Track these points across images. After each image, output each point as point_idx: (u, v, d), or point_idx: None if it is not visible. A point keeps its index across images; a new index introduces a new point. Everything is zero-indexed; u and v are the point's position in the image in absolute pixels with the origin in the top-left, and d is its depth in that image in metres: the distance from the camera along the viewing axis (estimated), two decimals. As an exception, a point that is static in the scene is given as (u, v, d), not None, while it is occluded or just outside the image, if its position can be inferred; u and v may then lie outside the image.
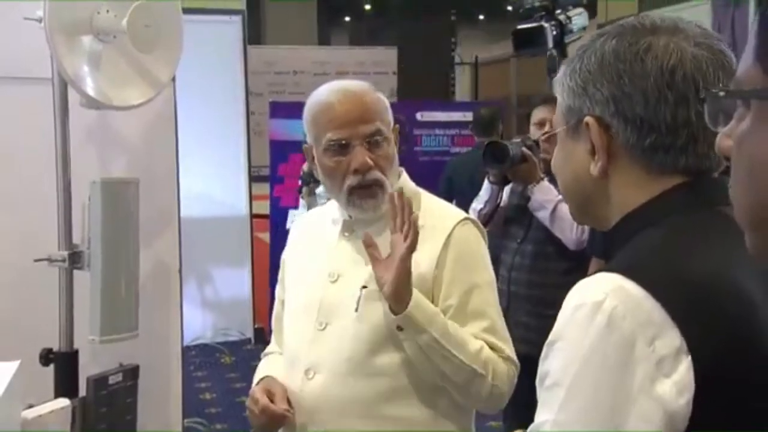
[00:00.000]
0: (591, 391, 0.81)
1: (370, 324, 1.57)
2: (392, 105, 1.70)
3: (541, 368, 0.86)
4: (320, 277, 1.64)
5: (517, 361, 1.62)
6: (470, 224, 1.65)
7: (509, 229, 2.83)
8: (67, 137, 2.09)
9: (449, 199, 4.93)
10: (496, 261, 2.84)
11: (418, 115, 6.40)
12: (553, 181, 2.68)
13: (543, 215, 2.65)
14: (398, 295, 1.50)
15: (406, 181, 1.71)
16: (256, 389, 1.63)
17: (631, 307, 0.81)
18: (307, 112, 1.66)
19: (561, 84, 0.98)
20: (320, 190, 2.73)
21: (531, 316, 2.67)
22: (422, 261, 1.58)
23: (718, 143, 0.70)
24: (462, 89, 8.62)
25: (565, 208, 2.59)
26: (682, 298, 0.81)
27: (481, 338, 1.58)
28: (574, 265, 2.59)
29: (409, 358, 1.56)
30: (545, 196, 2.66)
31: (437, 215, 1.65)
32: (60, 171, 2.09)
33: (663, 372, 0.79)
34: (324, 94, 1.63)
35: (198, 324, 5.65)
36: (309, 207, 2.56)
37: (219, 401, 4.66)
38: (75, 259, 2.09)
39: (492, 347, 1.58)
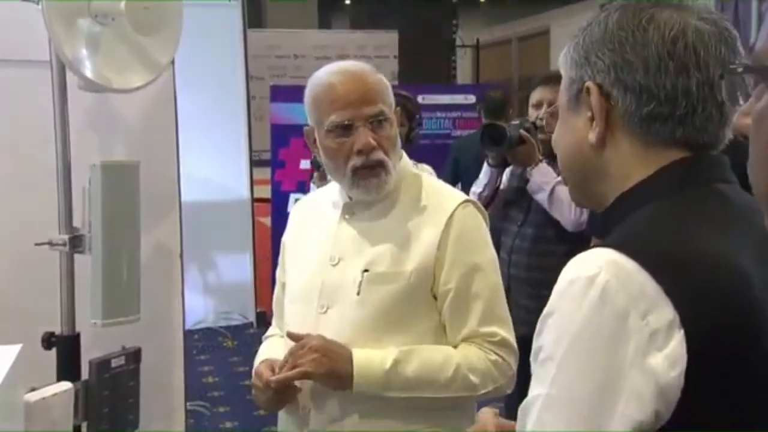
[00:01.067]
0: (583, 365, 0.81)
1: (371, 307, 1.57)
2: (393, 88, 1.70)
3: (535, 343, 0.87)
4: (321, 261, 1.63)
5: (513, 342, 1.62)
6: (471, 206, 1.64)
7: (509, 212, 2.83)
8: (66, 120, 2.08)
9: (455, 181, 4.94)
10: (497, 244, 2.84)
11: (420, 98, 6.37)
12: (552, 163, 2.68)
13: (541, 197, 2.65)
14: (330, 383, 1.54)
15: (406, 163, 1.70)
16: (260, 366, 1.64)
17: (624, 281, 0.81)
18: (308, 94, 1.65)
19: (565, 57, 0.99)
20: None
21: (531, 298, 2.67)
22: (424, 243, 1.58)
23: (736, 121, 0.69)
24: (463, 72, 8.58)
25: (563, 190, 2.59)
26: (675, 272, 0.81)
27: (473, 329, 1.58)
28: (574, 248, 2.56)
29: (411, 340, 1.56)
30: (543, 178, 2.66)
31: (438, 197, 1.64)
32: (59, 154, 2.08)
33: (656, 345, 0.79)
34: (325, 75, 1.62)
35: (200, 308, 5.67)
36: None
37: (222, 385, 4.68)
38: (76, 242, 2.09)
39: (483, 336, 1.58)
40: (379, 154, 1.58)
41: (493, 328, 1.59)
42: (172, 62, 2.39)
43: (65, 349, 2.09)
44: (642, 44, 0.91)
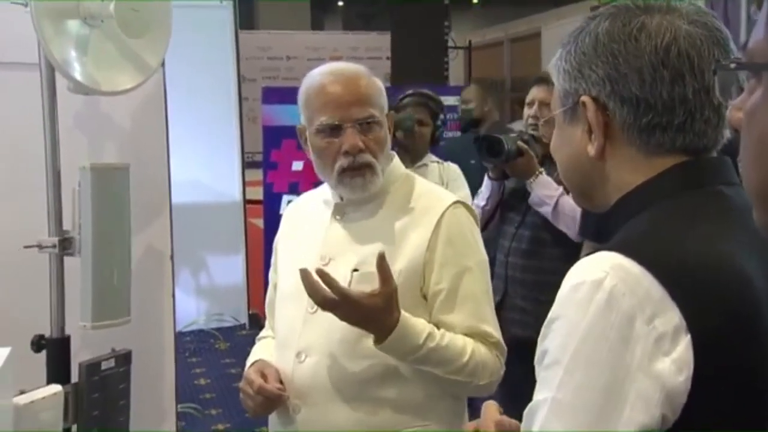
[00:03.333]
0: (590, 369, 0.81)
1: None
2: (386, 89, 1.71)
3: (540, 347, 0.86)
4: (312, 261, 1.64)
5: (503, 344, 1.63)
6: (462, 207, 1.65)
7: (507, 213, 2.83)
8: (56, 122, 2.08)
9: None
10: (495, 245, 2.85)
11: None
12: (552, 167, 2.67)
13: (545, 211, 2.64)
14: (372, 328, 1.51)
15: (397, 165, 1.71)
16: (249, 371, 1.64)
17: (630, 285, 0.81)
18: (301, 92, 1.67)
19: (556, 67, 0.98)
20: None
21: (527, 300, 2.68)
22: (413, 243, 1.58)
23: (729, 116, 0.69)
24: (455, 73, 8.59)
25: (566, 202, 2.59)
26: (681, 276, 0.81)
27: (470, 326, 1.58)
28: (570, 251, 2.58)
29: None
30: (546, 191, 2.64)
31: (429, 198, 1.65)
32: (49, 156, 2.07)
33: (662, 350, 0.79)
34: (318, 76, 1.64)
35: (192, 310, 5.65)
36: None
37: (213, 387, 4.67)
38: (65, 245, 2.09)
39: (481, 334, 1.59)
40: (366, 157, 1.59)
41: (488, 329, 1.60)
42: (163, 64, 2.38)
43: (55, 352, 2.08)
44: (635, 55, 0.90)
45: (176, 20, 2.22)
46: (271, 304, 1.77)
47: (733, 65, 0.70)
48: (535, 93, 2.85)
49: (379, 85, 1.67)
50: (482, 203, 2.84)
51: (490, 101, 4.60)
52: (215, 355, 5.26)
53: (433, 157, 3.10)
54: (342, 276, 1.58)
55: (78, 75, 2.03)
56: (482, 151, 2.67)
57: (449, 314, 1.59)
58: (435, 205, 1.62)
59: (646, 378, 0.79)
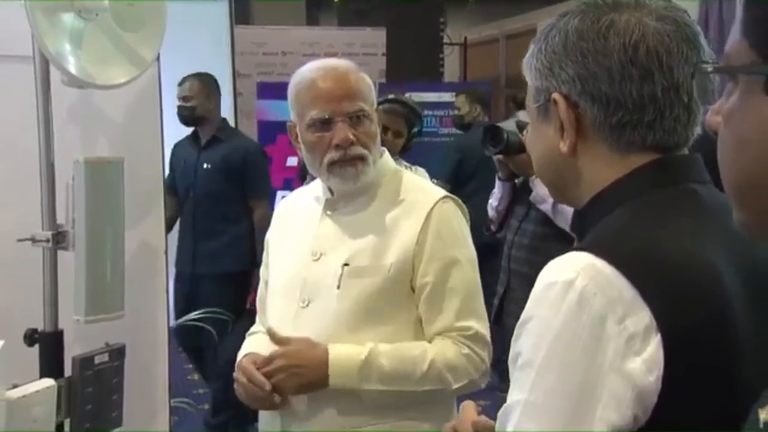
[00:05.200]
0: (562, 370, 0.81)
1: (351, 301, 1.58)
2: (381, 86, 1.73)
3: (513, 348, 0.87)
4: (303, 256, 1.65)
5: (487, 336, 1.63)
6: (451, 202, 1.66)
7: (513, 207, 2.85)
8: (50, 116, 2.07)
9: (456, 182, 4.93)
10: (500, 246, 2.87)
11: (407, 96, 6.38)
12: None
13: (545, 208, 2.66)
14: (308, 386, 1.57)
15: (387, 160, 1.72)
16: (242, 360, 1.65)
17: (602, 285, 0.81)
18: (291, 89, 1.68)
19: (528, 65, 0.99)
20: None
21: (529, 294, 2.68)
22: (403, 237, 1.60)
23: (708, 119, 0.69)
24: (451, 70, 8.58)
25: None
26: (652, 276, 0.81)
27: (446, 325, 1.59)
28: (572, 247, 2.59)
29: (391, 333, 1.57)
30: (546, 189, 2.65)
31: (418, 193, 1.67)
32: (42, 150, 2.06)
33: (633, 350, 0.80)
34: (307, 72, 1.65)
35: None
36: None
37: (206, 382, 4.66)
38: (59, 239, 2.08)
39: (457, 330, 1.59)
40: (358, 149, 1.61)
41: (468, 323, 1.60)
42: (157, 58, 2.38)
43: (48, 346, 2.08)
44: (603, 54, 0.90)
45: (171, 15, 2.22)
46: (262, 301, 1.78)
47: (709, 68, 0.70)
48: None
49: (368, 80, 1.68)
50: (495, 203, 2.87)
51: (479, 107, 5.06)
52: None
53: (404, 162, 3.13)
54: (333, 271, 1.60)
55: (72, 68, 2.02)
56: (485, 140, 2.69)
57: (433, 308, 1.60)
58: (424, 199, 1.64)
59: (617, 377, 0.79)
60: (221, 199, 3.94)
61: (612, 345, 0.79)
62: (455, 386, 1.59)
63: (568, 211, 2.61)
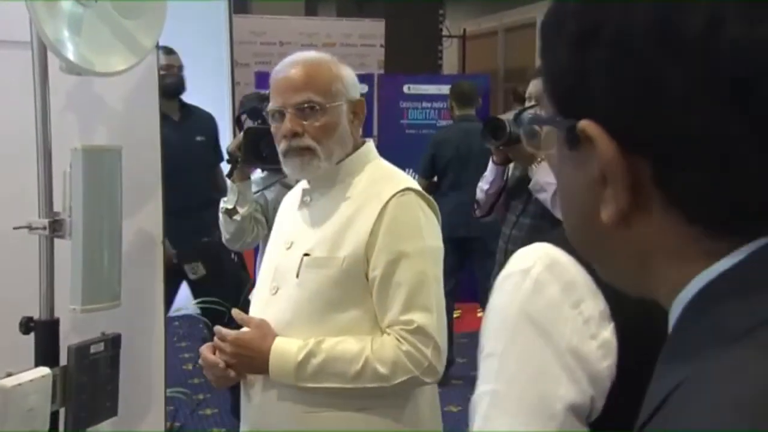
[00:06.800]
0: (522, 356, 0.83)
1: (308, 291, 1.63)
2: (379, 78, 1.76)
3: (480, 340, 0.88)
4: (279, 245, 1.74)
5: (432, 331, 1.60)
6: (411, 194, 1.66)
7: (511, 201, 2.85)
8: (47, 103, 2.05)
9: (433, 176, 4.97)
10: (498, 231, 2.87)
11: (405, 88, 6.35)
12: None
13: (543, 197, 2.65)
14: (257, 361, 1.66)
15: (365, 153, 1.73)
16: (203, 348, 1.75)
17: (557, 273, 0.83)
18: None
19: None
20: (255, 176, 2.60)
21: None
22: (358, 230, 1.62)
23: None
24: (449, 62, 8.56)
25: None
26: None
27: (392, 319, 1.60)
28: None
29: (349, 323, 1.62)
30: (546, 178, 2.65)
31: (381, 185, 1.68)
32: (40, 137, 2.05)
33: (589, 333, 0.81)
34: (279, 65, 1.74)
35: (182, 295, 5.63)
36: (239, 196, 2.46)
37: (202, 372, 4.65)
38: (56, 227, 2.06)
39: (401, 323, 1.59)
40: (304, 141, 1.66)
41: (411, 316, 1.59)
42: (157, 46, 2.36)
43: (43, 334, 2.07)
44: None
45: (170, 3, 2.20)
46: None
47: (528, 115, 0.69)
48: (531, 87, 2.85)
49: (340, 73, 1.70)
50: (486, 187, 2.86)
51: (453, 103, 5.04)
52: (204, 341, 5.24)
53: None
54: (297, 259, 1.65)
55: (71, 55, 2.00)
56: (485, 133, 2.68)
57: (381, 301, 1.61)
58: (383, 191, 1.65)
59: (574, 359, 0.81)
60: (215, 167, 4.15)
61: (569, 326, 0.81)
62: (393, 383, 1.59)
63: None
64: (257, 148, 2.38)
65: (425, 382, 1.64)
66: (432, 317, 1.60)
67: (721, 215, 0.49)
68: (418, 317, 1.59)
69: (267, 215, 2.57)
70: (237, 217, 2.43)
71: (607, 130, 0.49)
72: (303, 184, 1.79)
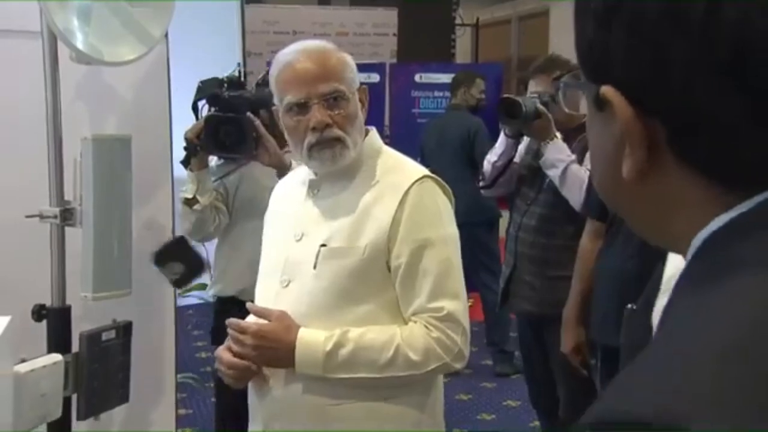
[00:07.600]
0: None
1: (327, 281, 1.60)
2: (392, 66, 1.72)
3: None
4: (287, 237, 1.69)
5: (461, 317, 1.61)
6: (430, 181, 1.65)
7: (521, 188, 2.85)
8: (58, 92, 2.07)
9: (427, 166, 4.97)
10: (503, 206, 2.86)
11: (417, 77, 6.34)
12: (567, 139, 2.68)
13: (553, 173, 2.66)
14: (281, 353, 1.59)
15: (373, 140, 1.72)
16: (219, 350, 1.69)
17: None
18: (270, 74, 1.68)
19: None
20: (212, 163, 2.53)
21: (535, 276, 2.71)
22: (379, 218, 1.60)
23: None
24: (463, 51, 8.52)
25: (575, 170, 2.60)
26: None
27: (420, 305, 1.59)
28: (579, 231, 2.60)
29: (369, 314, 1.59)
30: (557, 155, 2.65)
31: (398, 173, 1.67)
32: (51, 127, 2.06)
33: None
34: (285, 55, 1.66)
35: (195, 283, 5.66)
36: (199, 185, 2.40)
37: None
38: (66, 215, 2.09)
39: (430, 311, 1.58)
40: (334, 131, 1.61)
41: (440, 303, 1.59)
42: (166, 35, 2.37)
43: (55, 322, 2.09)
44: None
45: (181, -9, 2.20)
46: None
47: (563, 83, 0.75)
48: (535, 85, 2.84)
49: (347, 60, 1.67)
50: (494, 159, 2.86)
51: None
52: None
53: None
54: (312, 251, 1.62)
55: (80, 44, 2.02)
56: (501, 113, 2.67)
57: (406, 289, 1.60)
58: (402, 179, 1.64)
59: None
60: None
61: None
62: (425, 370, 1.58)
63: (577, 181, 2.59)
64: (218, 136, 2.31)
65: (455, 368, 1.64)
66: (459, 303, 1.62)
67: (730, 171, 0.55)
68: (447, 304, 1.59)
69: (228, 204, 2.53)
70: (198, 207, 2.39)
71: (626, 96, 0.56)
72: (302, 174, 1.74)
